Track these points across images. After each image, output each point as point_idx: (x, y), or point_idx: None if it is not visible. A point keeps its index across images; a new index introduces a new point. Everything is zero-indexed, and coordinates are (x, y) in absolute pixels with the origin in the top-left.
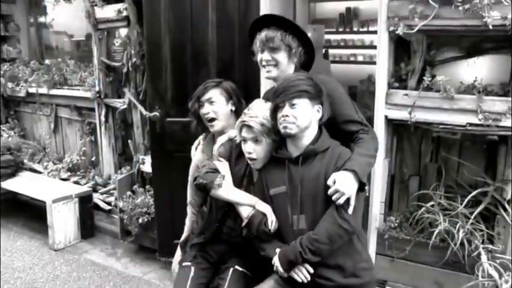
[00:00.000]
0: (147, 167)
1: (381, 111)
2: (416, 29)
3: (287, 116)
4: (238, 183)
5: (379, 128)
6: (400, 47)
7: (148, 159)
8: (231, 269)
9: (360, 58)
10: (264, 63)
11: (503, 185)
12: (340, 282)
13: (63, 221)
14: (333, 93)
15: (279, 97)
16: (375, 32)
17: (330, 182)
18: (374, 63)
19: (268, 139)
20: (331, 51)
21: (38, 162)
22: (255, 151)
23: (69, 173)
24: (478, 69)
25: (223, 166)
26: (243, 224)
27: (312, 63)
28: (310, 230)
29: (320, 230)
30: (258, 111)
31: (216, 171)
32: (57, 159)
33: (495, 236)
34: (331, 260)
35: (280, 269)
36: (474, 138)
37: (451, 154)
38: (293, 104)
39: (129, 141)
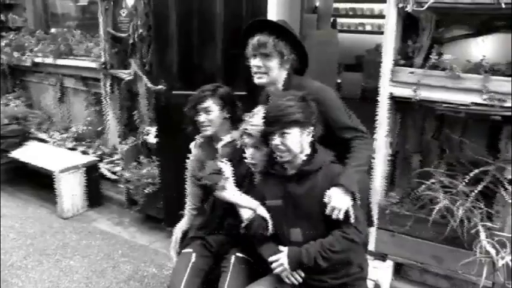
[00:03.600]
0: (151, 138)
1: (386, 88)
2: (426, 6)
3: (279, 145)
4: (239, 183)
5: (383, 104)
6: (408, 23)
7: (153, 131)
8: (233, 256)
9: (368, 28)
10: (255, 69)
11: (505, 164)
12: (332, 283)
13: (71, 190)
14: (325, 101)
15: (270, 126)
16: (385, 1)
17: (326, 200)
18: (382, 33)
19: (268, 148)
20: (339, 20)
21: (45, 132)
22: (254, 157)
23: (75, 143)
24: (487, 48)
25: (226, 167)
26: (243, 225)
27: (306, 68)
28: (306, 242)
29: (334, 242)
30: (260, 120)
31: (219, 172)
32: (63, 128)
33: (494, 214)
34: (325, 268)
35: (287, 266)
36: (478, 118)
37: (454, 132)
38: (284, 134)
39: (134, 112)
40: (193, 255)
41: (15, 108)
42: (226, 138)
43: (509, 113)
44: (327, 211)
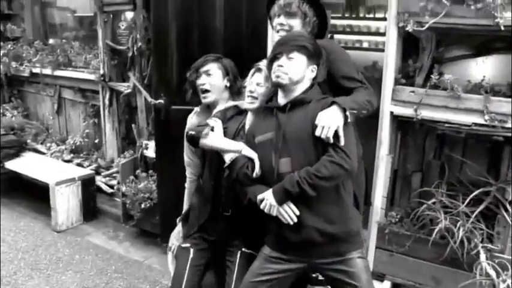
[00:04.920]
0: (150, 152)
1: (387, 107)
2: (426, 26)
3: (282, 66)
4: (232, 137)
5: (384, 123)
6: (409, 43)
7: (151, 145)
8: (239, 252)
9: (366, 45)
10: (278, 27)
11: (506, 185)
12: (327, 231)
13: (66, 203)
14: (332, 52)
15: (278, 48)
16: (382, 19)
17: (317, 121)
18: (379, 50)
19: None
20: (336, 36)
21: (41, 143)
22: (256, 91)
23: (72, 155)
24: (487, 68)
25: (215, 122)
26: (225, 165)
27: (324, 35)
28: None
29: (320, 167)
30: None
31: (206, 125)
32: (60, 140)
33: (495, 235)
34: (317, 207)
35: (273, 202)
36: (479, 138)
37: (455, 152)
38: (290, 57)
39: (132, 125)
40: (191, 250)
41: (12, 118)
42: (223, 106)
43: (510, 134)
44: (317, 132)
